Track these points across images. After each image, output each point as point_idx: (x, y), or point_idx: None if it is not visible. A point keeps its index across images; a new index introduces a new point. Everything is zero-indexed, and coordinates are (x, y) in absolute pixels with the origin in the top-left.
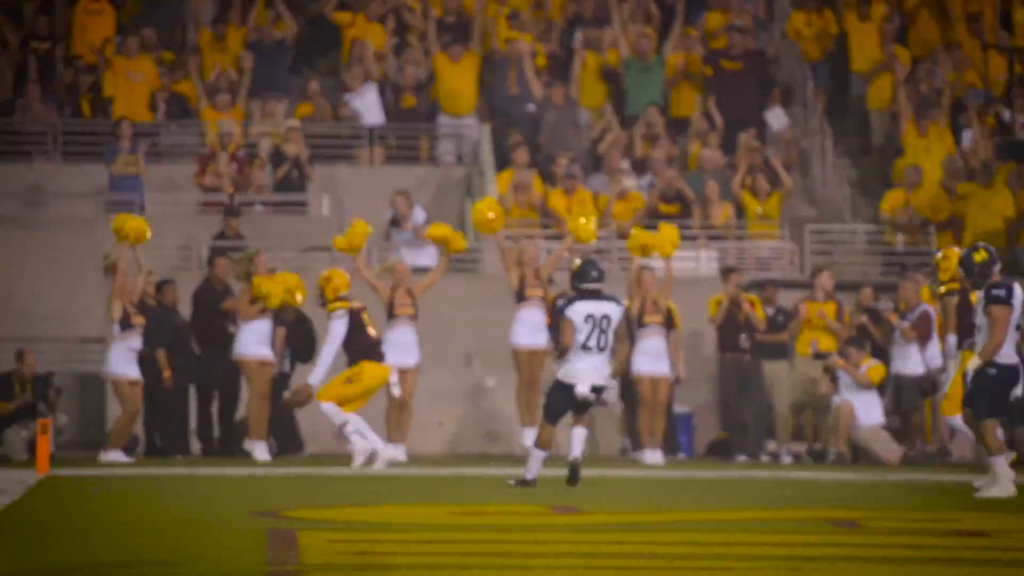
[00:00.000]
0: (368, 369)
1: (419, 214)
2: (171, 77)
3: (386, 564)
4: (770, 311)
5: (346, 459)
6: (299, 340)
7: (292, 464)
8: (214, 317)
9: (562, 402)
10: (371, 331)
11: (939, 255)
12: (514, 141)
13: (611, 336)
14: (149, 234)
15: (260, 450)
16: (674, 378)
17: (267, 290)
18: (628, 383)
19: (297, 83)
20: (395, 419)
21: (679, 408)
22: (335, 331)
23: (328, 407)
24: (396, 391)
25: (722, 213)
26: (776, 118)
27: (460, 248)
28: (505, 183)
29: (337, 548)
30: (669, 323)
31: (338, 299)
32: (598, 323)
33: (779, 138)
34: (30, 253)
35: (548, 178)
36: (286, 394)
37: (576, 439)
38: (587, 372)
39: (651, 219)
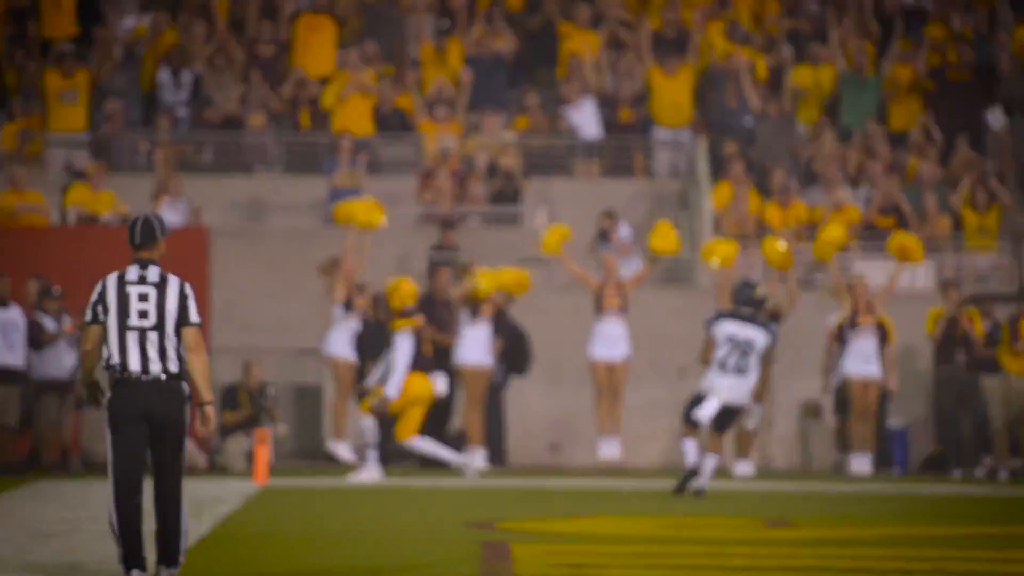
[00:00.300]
0: (409, 381)
1: (625, 229)
2: (392, 90)
3: None
4: (987, 326)
5: (552, 471)
6: (515, 352)
7: (502, 475)
8: (434, 328)
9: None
10: (426, 348)
11: None
12: (729, 152)
13: (753, 361)
14: (381, 221)
15: (478, 458)
16: (886, 388)
17: (478, 280)
18: (840, 392)
19: (515, 96)
20: (606, 410)
21: (893, 423)
22: (403, 345)
23: (367, 422)
24: (440, 388)
25: (939, 226)
26: (995, 119)
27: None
28: (721, 196)
29: (550, 560)
30: (883, 336)
31: (403, 315)
32: (739, 345)
33: (997, 139)
34: (250, 265)
35: (763, 191)
36: (372, 403)
37: (705, 464)
38: (721, 389)
39: (868, 231)
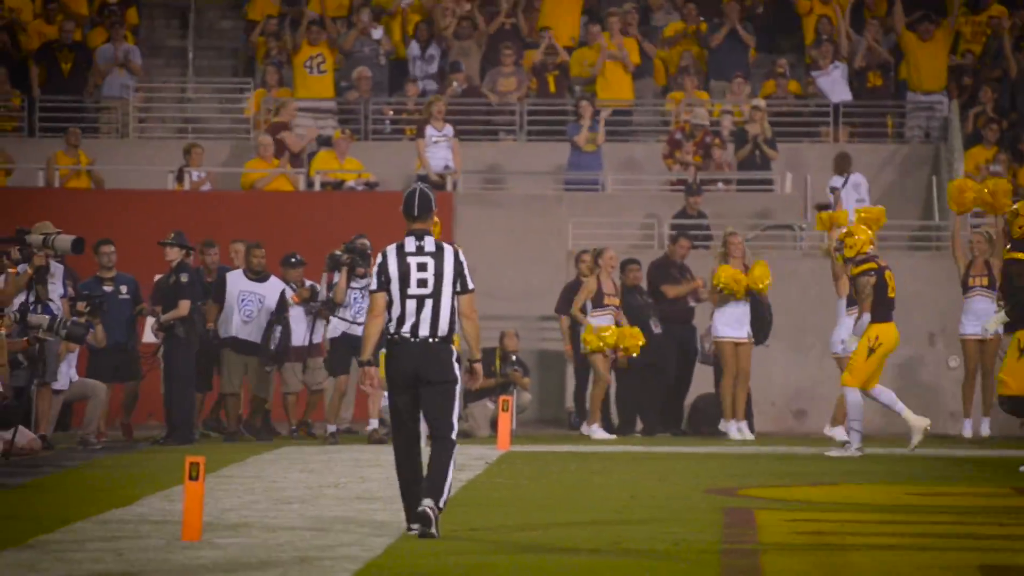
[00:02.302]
0: None
1: (858, 178)
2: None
3: (843, 544)
4: None
5: (796, 438)
6: (757, 321)
7: (747, 443)
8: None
9: None
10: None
11: (843, 231)
12: (983, 115)
13: None
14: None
15: (735, 430)
16: None
17: (725, 281)
18: None
19: (764, 62)
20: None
21: None
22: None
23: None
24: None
25: None
26: None
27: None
28: (973, 160)
29: (794, 527)
30: None
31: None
32: None
33: None
34: (492, 231)
35: (1016, 156)
36: None
37: None
38: None
39: None
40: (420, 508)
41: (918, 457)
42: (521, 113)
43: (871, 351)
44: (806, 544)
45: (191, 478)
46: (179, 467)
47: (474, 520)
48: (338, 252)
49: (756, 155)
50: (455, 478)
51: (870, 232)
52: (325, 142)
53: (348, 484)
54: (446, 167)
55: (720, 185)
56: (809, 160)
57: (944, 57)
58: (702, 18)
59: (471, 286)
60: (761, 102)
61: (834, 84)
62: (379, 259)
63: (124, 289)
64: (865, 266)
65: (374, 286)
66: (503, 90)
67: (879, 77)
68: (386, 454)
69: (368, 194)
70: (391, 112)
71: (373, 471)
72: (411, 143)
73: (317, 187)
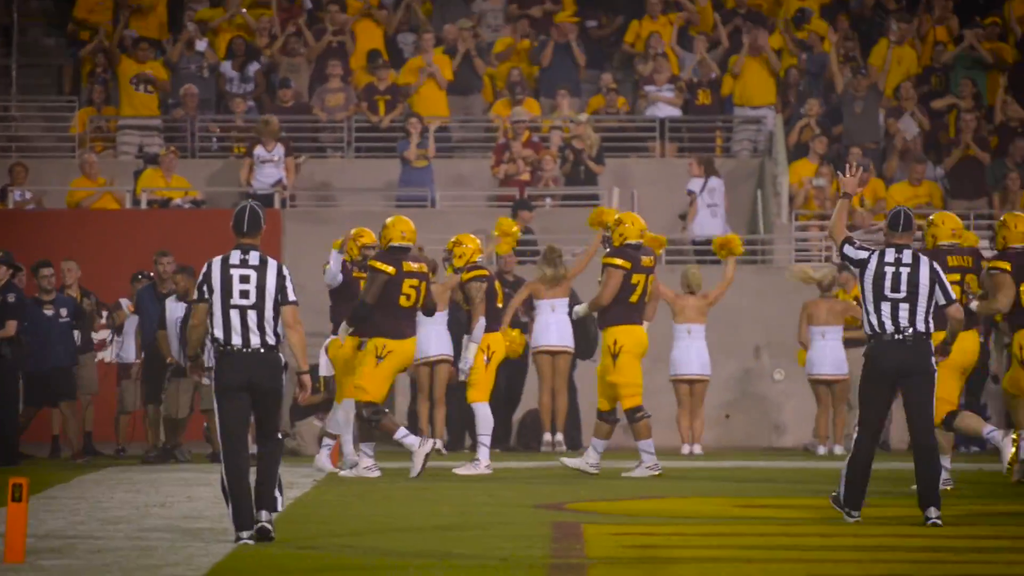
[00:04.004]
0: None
1: (716, 184)
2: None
3: (670, 557)
4: None
5: (624, 452)
6: (582, 336)
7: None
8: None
9: None
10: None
11: (452, 240)
12: (809, 129)
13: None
14: None
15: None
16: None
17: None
18: None
19: (594, 77)
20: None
21: None
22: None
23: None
24: None
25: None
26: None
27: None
28: (797, 174)
29: (621, 541)
30: None
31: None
32: None
33: None
34: (321, 248)
35: (841, 168)
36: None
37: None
38: None
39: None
40: (260, 524)
41: (743, 469)
42: (349, 129)
43: (487, 360)
44: (633, 557)
45: (14, 499)
46: (2, 488)
47: (302, 537)
48: None
49: (581, 170)
50: (283, 496)
51: (478, 242)
52: (151, 160)
53: (175, 503)
54: (278, 182)
55: (547, 200)
56: (636, 175)
57: (771, 71)
58: (538, 37)
59: (292, 298)
60: (584, 116)
61: (662, 99)
62: (204, 270)
63: (64, 312)
64: (476, 272)
65: (196, 296)
66: (331, 105)
67: (708, 96)
68: (214, 472)
69: (194, 212)
70: (218, 130)
71: (200, 490)
72: (238, 160)
73: (144, 205)
